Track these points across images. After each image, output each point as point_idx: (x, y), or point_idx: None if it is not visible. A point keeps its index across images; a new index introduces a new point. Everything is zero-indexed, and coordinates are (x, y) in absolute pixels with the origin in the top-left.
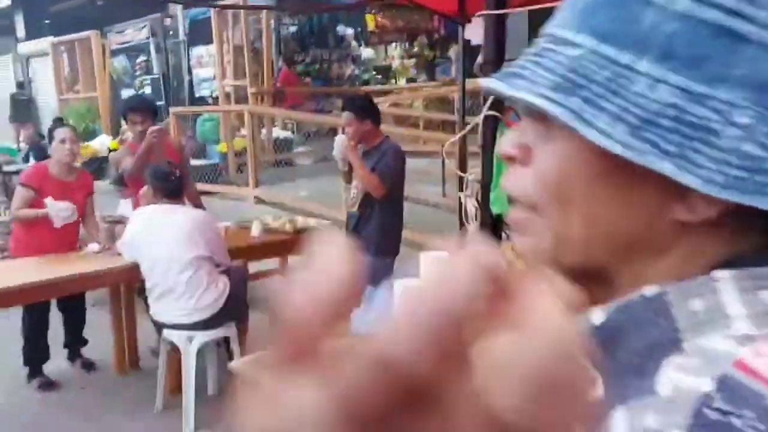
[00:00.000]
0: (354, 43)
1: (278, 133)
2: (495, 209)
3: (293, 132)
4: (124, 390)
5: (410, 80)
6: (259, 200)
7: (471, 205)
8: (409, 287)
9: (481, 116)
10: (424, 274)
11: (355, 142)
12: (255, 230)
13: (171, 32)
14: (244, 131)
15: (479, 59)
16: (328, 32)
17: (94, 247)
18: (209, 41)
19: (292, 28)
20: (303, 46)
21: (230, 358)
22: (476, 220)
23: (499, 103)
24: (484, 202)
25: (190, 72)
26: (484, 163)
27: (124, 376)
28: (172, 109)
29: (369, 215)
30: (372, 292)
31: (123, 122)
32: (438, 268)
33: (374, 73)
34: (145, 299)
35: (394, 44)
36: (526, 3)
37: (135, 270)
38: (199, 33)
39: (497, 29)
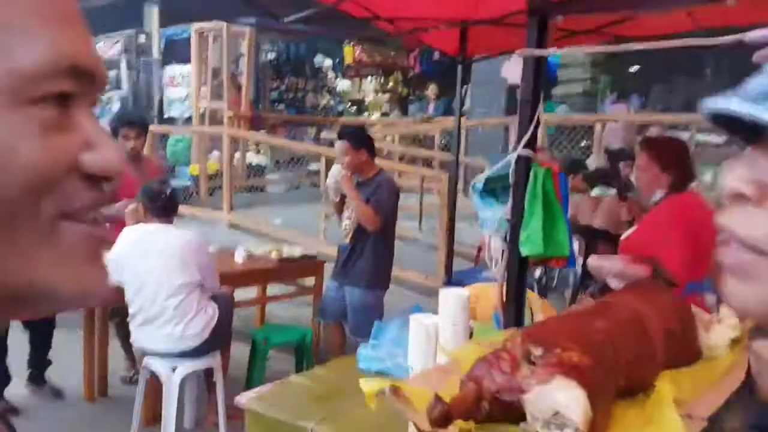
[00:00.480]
0: (331, 74)
1: (251, 158)
2: (525, 250)
3: (268, 158)
4: (95, 420)
5: (384, 114)
6: (233, 225)
7: (497, 244)
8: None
9: (515, 154)
10: (443, 310)
11: (350, 172)
12: (239, 256)
13: (145, 50)
14: (216, 153)
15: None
16: (305, 61)
17: None
18: (184, 61)
19: (271, 55)
20: (279, 73)
21: (209, 389)
22: (502, 260)
23: (532, 142)
24: (512, 242)
25: (161, 91)
26: (515, 201)
27: (94, 405)
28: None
29: (362, 248)
30: (380, 326)
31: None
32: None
33: (349, 105)
34: (117, 323)
35: (369, 78)
36: (563, 44)
37: (115, 292)
38: (175, 52)
39: (537, 69)
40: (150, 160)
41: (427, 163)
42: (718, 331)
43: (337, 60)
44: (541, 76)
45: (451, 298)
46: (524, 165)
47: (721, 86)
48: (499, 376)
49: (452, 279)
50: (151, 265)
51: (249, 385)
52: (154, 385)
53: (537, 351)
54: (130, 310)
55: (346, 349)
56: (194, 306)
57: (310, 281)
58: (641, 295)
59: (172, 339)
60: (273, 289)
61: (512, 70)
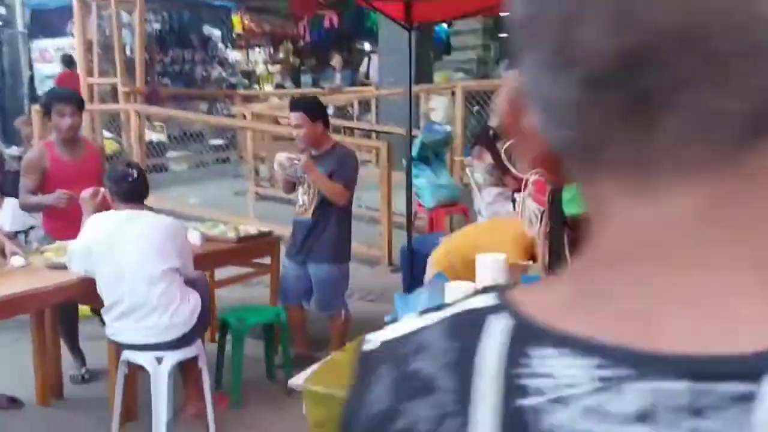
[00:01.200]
0: (221, 45)
1: (149, 135)
2: (570, 210)
3: (169, 137)
4: (59, 424)
5: (278, 86)
6: (147, 208)
7: (534, 206)
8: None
9: None
10: (480, 277)
11: (307, 145)
12: (194, 238)
13: (6, 22)
14: (107, 134)
15: (362, 68)
16: (191, 32)
17: (18, 260)
18: (53, 34)
19: (154, 26)
20: (163, 45)
21: (185, 379)
22: (540, 222)
23: None
24: (555, 203)
25: (30, 68)
26: None
27: (51, 408)
28: (35, 106)
29: (326, 222)
30: (403, 298)
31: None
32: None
33: (241, 76)
34: (60, 320)
35: (257, 49)
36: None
37: (83, 285)
38: (43, 25)
39: None
40: (88, 142)
41: (348, 133)
42: None
43: (225, 30)
44: None
45: (489, 263)
46: None
47: None
48: None
49: (411, 246)
50: (128, 253)
51: (221, 371)
52: (131, 379)
53: None
54: (105, 302)
55: (307, 327)
56: (178, 294)
57: (261, 260)
58: None
59: (158, 329)
60: (221, 272)
61: None
